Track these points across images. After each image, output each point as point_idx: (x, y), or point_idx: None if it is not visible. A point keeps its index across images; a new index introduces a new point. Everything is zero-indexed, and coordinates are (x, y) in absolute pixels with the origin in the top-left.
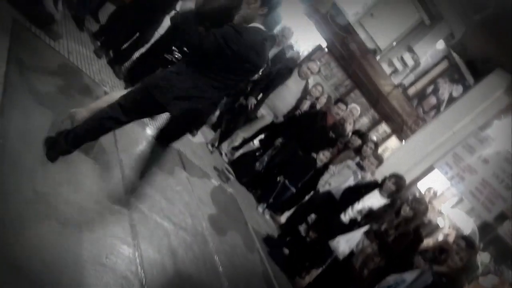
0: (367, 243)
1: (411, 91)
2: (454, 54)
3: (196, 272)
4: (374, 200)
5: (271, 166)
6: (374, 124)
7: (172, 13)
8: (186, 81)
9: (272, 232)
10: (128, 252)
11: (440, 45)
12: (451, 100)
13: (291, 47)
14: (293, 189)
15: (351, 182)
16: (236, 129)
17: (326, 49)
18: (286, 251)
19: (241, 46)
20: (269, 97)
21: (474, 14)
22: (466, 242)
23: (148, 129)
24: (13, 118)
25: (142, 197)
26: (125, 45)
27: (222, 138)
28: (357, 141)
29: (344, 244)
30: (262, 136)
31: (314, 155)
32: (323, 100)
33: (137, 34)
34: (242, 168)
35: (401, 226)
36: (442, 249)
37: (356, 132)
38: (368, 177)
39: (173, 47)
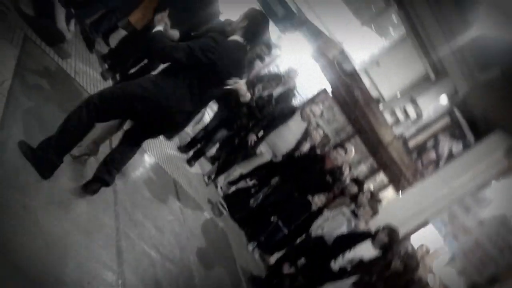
0: None
1: (412, 143)
2: (457, 111)
3: None
4: (365, 250)
5: (266, 204)
6: (372, 172)
7: None
8: (164, 89)
9: (260, 273)
10: (112, 279)
11: (444, 100)
12: (451, 156)
13: (295, 88)
14: (286, 230)
15: (344, 229)
16: (234, 163)
17: (330, 93)
18: None
19: (218, 56)
20: (269, 135)
21: (480, 73)
22: None
23: (146, 155)
24: (12, 132)
25: (133, 223)
26: (132, 70)
27: (219, 171)
28: (354, 189)
29: None
30: (259, 173)
31: (309, 197)
32: (317, 136)
33: (145, 61)
34: (236, 204)
35: (391, 280)
36: None
37: (354, 180)
38: (362, 226)
39: None
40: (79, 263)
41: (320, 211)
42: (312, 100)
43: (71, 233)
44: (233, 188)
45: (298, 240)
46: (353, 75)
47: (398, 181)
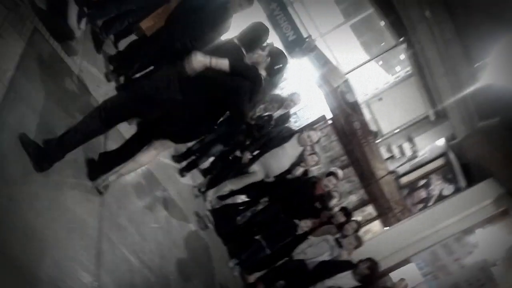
0: None
1: (404, 180)
2: (452, 154)
3: None
4: (345, 280)
5: (252, 223)
6: (361, 204)
7: None
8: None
9: None
10: (87, 280)
11: (440, 142)
12: (441, 198)
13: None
14: (268, 251)
15: (326, 257)
16: (226, 179)
17: (329, 121)
18: None
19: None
20: (264, 155)
21: (479, 121)
22: None
23: None
24: (9, 123)
25: (116, 227)
26: (137, 75)
27: (210, 185)
28: (342, 218)
29: None
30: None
31: (296, 221)
32: (312, 162)
33: (151, 67)
34: (223, 219)
35: None
36: None
37: (342, 209)
38: (344, 255)
39: None
40: (56, 261)
41: (305, 235)
42: (311, 126)
43: (53, 229)
44: (221, 203)
45: (280, 262)
46: (355, 106)
47: (386, 216)
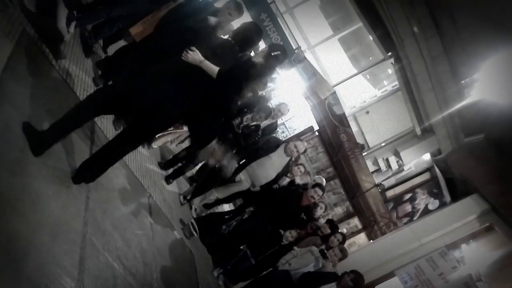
0: None
1: (389, 193)
2: (437, 170)
3: None
4: None
5: (237, 232)
6: (347, 216)
7: None
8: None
9: None
10: (70, 285)
11: (426, 156)
12: (426, 212)
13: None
14: (253, 261)
15: (311, 268)
16: (212, 187)
17: (316, 133)
18: None
19: None
20: (251, 164)
21: (464, 137)
22: None
23: (123, 169)
24: None
25: (100, 232)
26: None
27: (196, 193)
28: (327, 230)
29: None
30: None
31: (281, 231)
32: (298, 173)
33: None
34: (208, 228)
35: None
36: None
37: (329, 221)
38: (329, 267)
39: None
40: (39, 264)
41: (290, 246)
42: (298, 136)
43: (36, 232)
44: (207, 212)
45: (264, 273)
46: (342, 119)
47: (371, 228)
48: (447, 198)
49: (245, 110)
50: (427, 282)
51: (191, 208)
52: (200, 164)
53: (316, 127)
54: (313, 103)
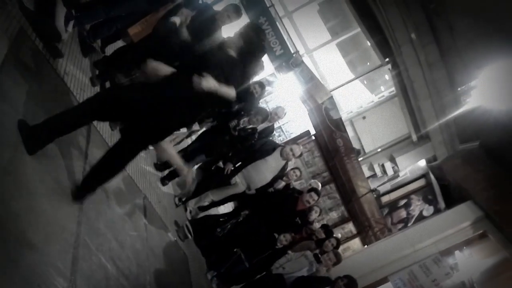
0: None
1: (384, 199)
2: (432, 176)
3: None
4: None
5: (232, 235)
6: (342, 221)
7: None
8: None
9: None
10: (62, 286)
11: (422, 163)
12: (421, 218)
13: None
14: (247, 264)
15: (304, 272)
16: (207, 189)
17: (313, 137)
18: None
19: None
20: (247, 167)
21: (460, 144)
22: None
23: None
24: None
25: (94, 233)
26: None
27: (191, 195)
28: (322, 235)
29: None
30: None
31: (276, 235)
32: (294, 176)
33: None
34: (203, 230)
35: None
36: None
37: (323, 226)
38: (323, 272)
39: None
40: (31, 264)
41: (284, 249)
42: (294, 140)
43: (29, 232)
44: (202, 214)
45: (258, 276)
46: (338, 123)
47: (365, 234)
48: (442, 204)
49: (242, 113)
50: (420, 287)
51: (186, 210)
52: (196, 166)
53: (312, 131)
54: (310, 107)
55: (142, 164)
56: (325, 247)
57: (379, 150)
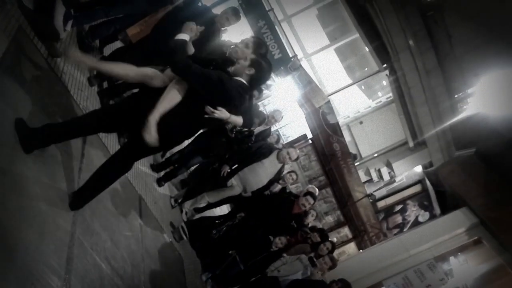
0: None
1: (380, 204)
2: (428, 182)
3: None
4: None
5: (227, 237)
6: (337, 225)
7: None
8: None
9: None
10: (57, 285)
11: (418, 169)
12: (416, 224)
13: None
14: (242, 266)
15: (299, 275)
16: (203, 191)
17: (310, 141)
18: None
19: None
20: (243, 170)
21: (456, 150)
22: None
23: None
24: None
25: (89, 232)
26: (120, 81)
27: (187, 197)
28: (317, 239)
29: None
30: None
31: (271, 238)
32: (290, 180)
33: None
34: (198, 232)
35: None
36: None
37: (319, 230)
38: (318, 275)
39: None
40: (26, 262)
41: (279, 252)
42: (291, 144)
43: (24, 230)
44: (198, 216)
45: (253, 279)
46: (335, 128)
47: (361, 238)
48: (437, 210)
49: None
50: None
51: (181, 211)
52: (192, 168)
53: (309, 135)
54: (307, 111)
55: (139, 164)
56: (320, 251)
57: (375, 155)
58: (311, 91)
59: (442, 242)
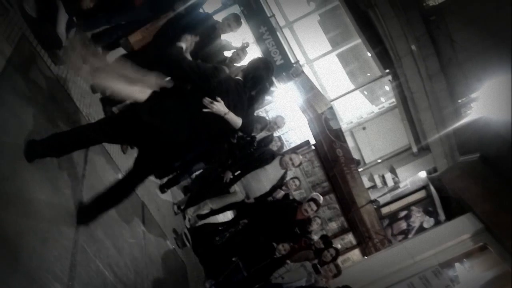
0: None
1: (385, 210)
2: (433, 188)
3: None
4: None
5: (230, 244)
6: (341, 232)
7: None
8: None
9: None
10: None
11: (422, 174)
12: (421, 230)
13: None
14: (245, 273)
15: (303, 282)
16: (206, 198)
17: (313, 147)
18: None
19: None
20: (246, 176)
21: (460, 156)
22: None
23: (119, 174)
24: None
25: (92, 239)
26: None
27: (190, 203)
28: (321, 245)
29: None
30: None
31: (274, 244)
32: (293, 186)
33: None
34: (201, 239)
35: None
36: None
37: (323, 237)
38: (322, 282)
39: None
40: (29, 269)
41: (283, 259)
42: (294, 150)
43: (27, 237)
44: (201, 222)
45: (257, 286)
46: (338, 134)
47: (365, 245)
48: (442, 216)
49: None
50: None
51: (184, 218)
52: (195, 174)
53: (312, 141)
54: (310, 117)
55: None
56: (324, 257)
57: (379, 161)
58: (314, 97)
59: (447, 248)
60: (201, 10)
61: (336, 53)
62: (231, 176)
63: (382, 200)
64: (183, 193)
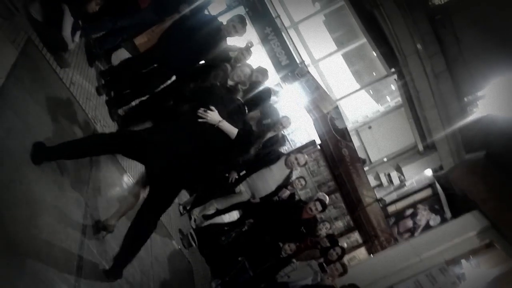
0: None
1: (391, 209)
2: (439, 186)
3: None
4: None
5: (236, 244)
6: (347, 230)
7: None
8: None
9: None
10: None
11: (428, 172)
12: (427, 228)
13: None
14: (251, 273)
15: (309, 281)
16: (212, 198)
17: (318, 146)
18: None
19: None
20: (251, 176)
21: (466, 153)
22: None
23: (125, 176)
24: None
25: (98, 240)
26: (127, 90)
27: (196, 203)
28: (326, 244)
29: None
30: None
31: (280, 244)
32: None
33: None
34: (207, 239)
35: None
36: None
37: (328, 236)
38: (328, 281)
39: None
40: (36, 271)
41: (289, 258)
42: (299, 149)
43: (34, 238)
44: (206, 222)
45: (263, 285)
46: (344, 133)
47: (371, 243)
48: (448, 214)
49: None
50: None
51: (190, 218)
52: None
53: (318, 141)
54: (315, 117)
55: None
56: (330, 256)
57: (385, 159)
58: (319, 97)
59: (453, 246)
60: (206, 12)
61: (342, 53)
62: (237, 176)
63: (388, 199)
64: (188, 194)
